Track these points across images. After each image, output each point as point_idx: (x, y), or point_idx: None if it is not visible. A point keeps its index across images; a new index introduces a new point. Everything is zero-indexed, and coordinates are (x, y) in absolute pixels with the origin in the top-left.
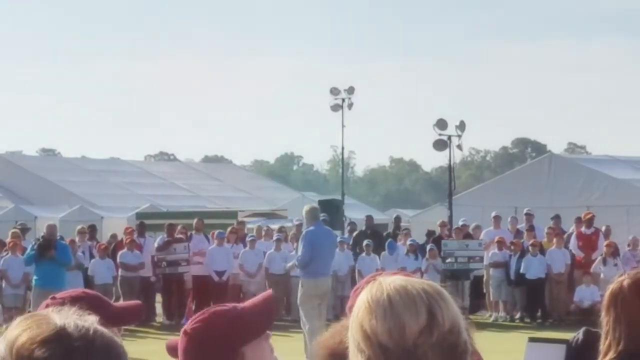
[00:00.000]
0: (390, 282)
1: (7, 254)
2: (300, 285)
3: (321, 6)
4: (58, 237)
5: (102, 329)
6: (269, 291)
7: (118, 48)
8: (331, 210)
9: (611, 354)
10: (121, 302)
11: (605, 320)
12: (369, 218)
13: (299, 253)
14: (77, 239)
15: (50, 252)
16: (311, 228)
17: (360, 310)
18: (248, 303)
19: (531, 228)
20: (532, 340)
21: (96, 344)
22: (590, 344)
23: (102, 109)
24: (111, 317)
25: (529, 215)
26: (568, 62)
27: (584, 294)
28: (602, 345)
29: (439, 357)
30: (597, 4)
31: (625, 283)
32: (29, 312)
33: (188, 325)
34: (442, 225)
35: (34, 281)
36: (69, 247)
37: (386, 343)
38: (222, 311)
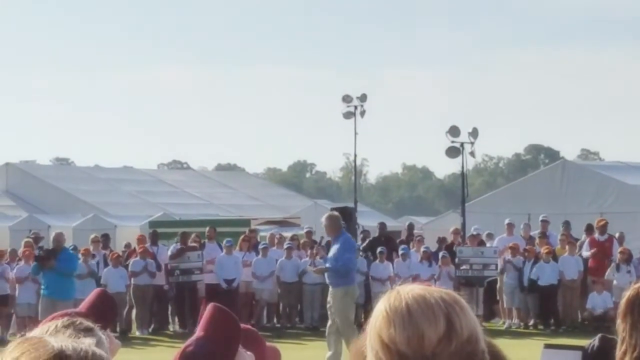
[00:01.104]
0: (408, 290)
1: (21, 262)
2: (342, 293)
3: (334, 14)
4: (70, 246)
5: (99, 351)
6: None
7: (131, 56)
8: (344, 218)
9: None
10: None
11: (621, 327)
12: (382, 225)
13: (337, 257)
14: (90, 248)
15: (49, 262)
16: (348, 234)
17: (377, 319)
18: None
19: (544, 235)
20: (548, 346)
21: None
22: (606, 350)
23: (115, 117)
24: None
25: (545, 222)
26: (581, 68)
27: (596, 301)
28: (618, 352)
29: None
30: (611, 10)
31: None
32: (40, 321)
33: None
34: (456, 232)
35: (42, 291)
36: (75, 255)
37: (405, 351)
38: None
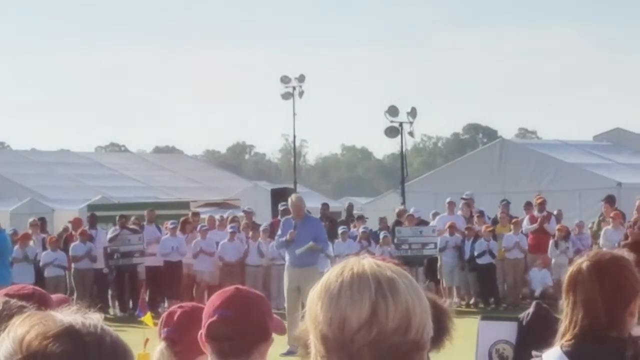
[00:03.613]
0: (355, 266)
1: None
2: (315, 273)
3: None
4: (10, 231)
5: (108, 327)
6: None
7: (68, 38)
8: (284, 199)
9: (568, 336)
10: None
11: (565, 303)
12: (325, 206)
13: (324, 239)
14: (29, 232)
15: None
16: (312, 216)
17: (315, 291)
18: None
19: (482, 214)
20: (485, 318)
21: (105, 340)
22: (540, 317)
23: (52, 100)
24: None
25: (470, 200)
26: (518, 48)
27: (536, 278)
28: (562, 327)
29: (376, 356)
30: None
31: (584, 265)
32: None
33: None
34: (401, 213)
35: None
36: (9, 239)
37: (326, 333)
38: None
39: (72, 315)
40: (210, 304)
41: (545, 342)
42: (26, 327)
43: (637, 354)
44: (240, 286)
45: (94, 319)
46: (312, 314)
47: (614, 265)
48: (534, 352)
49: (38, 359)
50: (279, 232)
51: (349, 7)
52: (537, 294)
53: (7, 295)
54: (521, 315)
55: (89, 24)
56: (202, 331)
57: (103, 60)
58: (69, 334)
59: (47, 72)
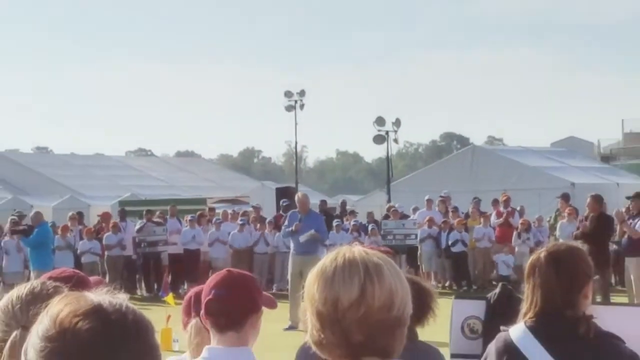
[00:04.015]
0: (347, 253)
1: (7, 237)
2: (317, 260)
3: (277, 22)
4: (50, 223)
5: (132, 305)
6: None
7: (102, 53)
8: (288, 196)
9: (530, 314)
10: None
11: (526, 287)
12: (323, 202)
13: (325, 230)
14: (69, 224)
15: (28, 234)
16: (314, 211)
17: (314, 272)
18: None
19: (456, 209)
20: (458, 297)
21: (129, 318)
22: (505, 296)
23: (88, 110)
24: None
25: (446, 198)
26: (486, 67)
27: (502, 261)
28: (524, 307)
29: (364, 330)
30: (509, 17)
31: (542, 255)
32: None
33: None
34: (390, 208)
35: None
36: (51, 230)
37: (321, 310)
38: None
39: (101, 295)
40: (207, 285)
41: (509, 317)
42: (61, 305)
43: (588, 329)
44: (231, 269)
45: (120, 298)
46: (309, 294)
47: (568, 255)
48: (502, 327)
49: (69, 334)
50: (286, 222)
51: (344, 31)
52: (503, 275)
53: (50, 277)
54: (489, 295)
55: (119, 46)
56: (202, 309)
57: (134, 76)
58: (97, 312)
59: (85, 86)
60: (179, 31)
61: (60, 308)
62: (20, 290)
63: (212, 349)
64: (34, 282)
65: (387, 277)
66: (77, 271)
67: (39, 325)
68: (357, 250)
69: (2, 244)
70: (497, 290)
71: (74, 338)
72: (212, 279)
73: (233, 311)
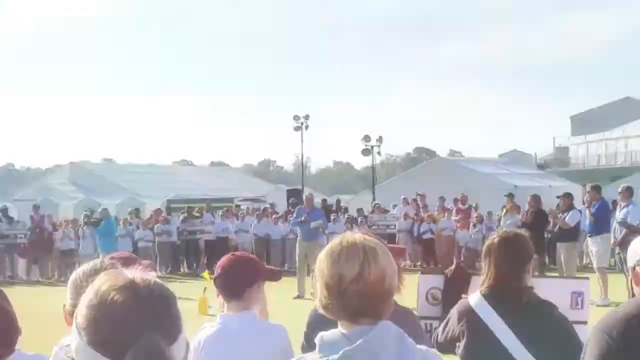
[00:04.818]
0: (350, 238)
1: (82, 228)
2: (321, 245)
3: (288, 62)
4: (114, 217)
5: (159, 281)
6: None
7: (149, 84)
8: (296, 196)
9: (485, 285)
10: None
11: (483, 264)
12: (323, 201)
13: (324, 222)
14: (128, 218)
15: (98, 225)
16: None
17: (324, 252)
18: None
19: (425, 206)
20: (423, 272)
21: (155, 291)
22: (459, 272)
23: (144, 128)
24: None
25: (422, 197)
26: (447, 97)
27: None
28: (481, 280)
29: (362, 299)
30: (459, 53)
31: (495, 240)
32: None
33: None
34: (375, 205)
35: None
36: (116, 222)
37: (329, 282)
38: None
39: (136, 272)
40: (217, 267)
41: (460, 287)
42: (103, 280)
43: (529, 298)
44: (235, 252)
45: (150, 275)
46: (320, 269)
47: (515, 240)
48: (462, 295)
49: (105, 304)
50: (295, 215)
51: (340, 71)
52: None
53: (112, 258)
54: (446, 271)
55: (161, 74)
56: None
57: (179, 102)
58: (129, 286)
59: (146, 111)
60: (215, 69)
61: (102, 282)
62: (86, 267)
63: (223, 315)
64: (96, 261)
65: (380, 258)
66: (131, 254)
67: (85, 296)
68: (357, 236)
69: (79, 232)
70: (453, 267)
71: (111, 307)
72: (220, 262)
73: (233, 285)
